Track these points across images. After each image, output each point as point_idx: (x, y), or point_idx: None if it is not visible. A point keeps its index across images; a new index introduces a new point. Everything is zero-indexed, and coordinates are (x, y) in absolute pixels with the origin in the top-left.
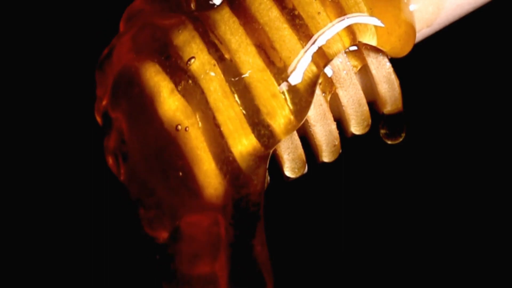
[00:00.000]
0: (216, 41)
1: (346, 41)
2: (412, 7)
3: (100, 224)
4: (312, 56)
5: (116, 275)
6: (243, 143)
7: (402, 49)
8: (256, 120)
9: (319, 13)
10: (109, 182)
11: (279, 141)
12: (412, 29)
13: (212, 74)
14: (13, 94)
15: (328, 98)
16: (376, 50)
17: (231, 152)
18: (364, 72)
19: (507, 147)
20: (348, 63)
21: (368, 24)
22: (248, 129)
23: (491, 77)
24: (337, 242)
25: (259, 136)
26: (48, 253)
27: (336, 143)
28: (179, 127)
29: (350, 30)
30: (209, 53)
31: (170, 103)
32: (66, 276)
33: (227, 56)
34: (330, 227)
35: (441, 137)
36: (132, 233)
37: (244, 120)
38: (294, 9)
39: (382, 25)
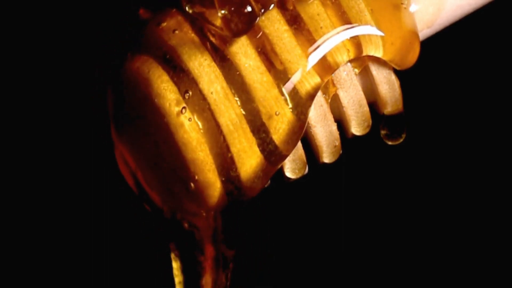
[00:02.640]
0: (217, 44)
1: (352, 52)
2: (412, 8)
3: (101, 224)
4: (314, 63)
5: (116, 274)
6: (243, 144)
7: (404, 61)
8: (256, 122)
9: (320, 23)
10: (109, 182)
11: (282, 152)
12: (416, 38)
13: (213, 76)
14: (15, 95)
15: (329, 99)
16: None
17: (231, 154)
18: (365, 73)
19: (507, 148)
20: (349, 64)
21: (373, 34)
22: (248, 130)
23: (492, 77)
24: (337, 242)
25: (259, 139)
26: (49, 253)
27: (337, 144)
28: (180, 125)
29: (356, 41)
30: (210, 55)
31: (173, 104)
32: (67, 276)
33: (228, 58)
34: (331, 228)
35: (441, 137)
36: (132, 232)
37: (244, 121)
38: (295, 12)
39: (381, 33)
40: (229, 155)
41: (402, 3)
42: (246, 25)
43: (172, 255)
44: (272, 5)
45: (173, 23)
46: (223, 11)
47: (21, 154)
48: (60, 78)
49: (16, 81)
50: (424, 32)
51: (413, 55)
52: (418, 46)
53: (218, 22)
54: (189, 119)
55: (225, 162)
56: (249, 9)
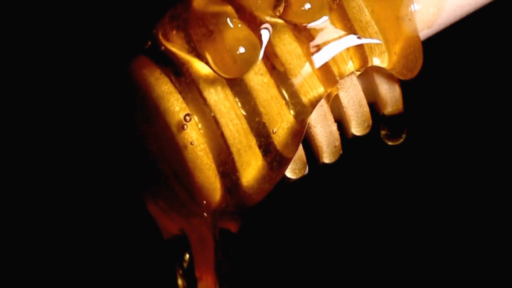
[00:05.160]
0: None
1: (356, 63)
2: (413, 8)
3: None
4: (317, 67)
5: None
6: (243, 143)
7: (408, 71)
8: (258, 124)
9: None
10: (110, 183)
11: (283, 155)
12: (419, 48)
13: (212, 77)
14: (18, 96)
15: (329, 99)
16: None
17: (232, 156)
18: (365, 73)
19: (507, 148)
20: None
21: (377, 44)
22: (248, 130)
23: (492, 77)
24: (337, 242)
25: (260, 142)
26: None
27: (337, 144)
28: (184, 117)
29: (361, 52)
30: None
31: (174, 105)
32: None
33: None
34: (331, 228)
35: (441, 138)
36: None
37: (244, 121)
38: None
39: (385, 42)
40: (230, 157)
41: (406, 15)
42: (239, 70)
43: (175, 261)
44: (268, 33)
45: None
46: (211, 61)
47: (22, 155)
48: (61, 79)
49: (19, 82)
50: (425, 32)
51: (417, 65)
52: (421, 55)
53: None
54: (190, 121)
55: (226, 164)
56: (241, 50)
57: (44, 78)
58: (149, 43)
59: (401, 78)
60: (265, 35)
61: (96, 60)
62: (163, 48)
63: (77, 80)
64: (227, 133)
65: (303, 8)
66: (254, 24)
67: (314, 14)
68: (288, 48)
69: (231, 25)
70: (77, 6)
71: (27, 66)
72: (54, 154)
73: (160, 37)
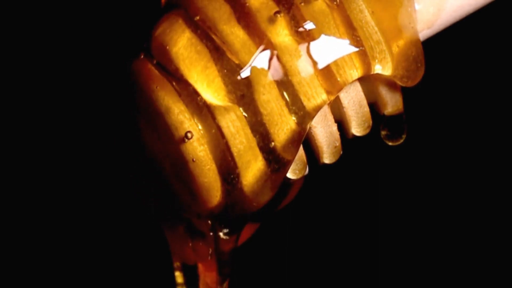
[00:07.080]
0: (218, 42)
1: (360, 71)
2: (413, 9)
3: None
4: (320, 77)
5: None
6: (243, 144)
7: (410, 79)
8: (257, 124)
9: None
10: (110, 184)
11: (284, 157)
12: (421, 55)
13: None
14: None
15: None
16: None
17: (233, 156)
18: None
19: (507, 148)
20: None
21: (380, 51)
22: (249, 131)
23: (492, 78)
24: (337, 242)
25: (261, 143)
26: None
27: (337, 144)
28: (185, 134)
29: (364, 60)
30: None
31: (175, 107)
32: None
33: (229, 56)
34: (331, 229)
35: (441, 138)
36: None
37: (245, 123)
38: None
39: (387, 49)
40: (231, 158)
41: (406, 17)
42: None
43: (175, 261)
44: (270, 53)
45: (172, 26)
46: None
47: (23, 155)
48: (61, 80)
49: (20, 84)
50: (425, 32)
51: (418, 73)
52: (423, 64)
53: None
54: (191, 123)
55: (227, 164)
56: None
57: (44, 78)
58: (142, 55)
59: (402, 84)
60: (267, 54)
61: (96, 60)
62: (155, 62)
63: (77, 81)
64: (227, 134)
65: (301, 30)
66: (254, 41)
67: (318, 33)
68: (290, 50)
69: (234, 49)
70: (77, 6)
71: (27, 66)
72: (54, 155)
73: (153, 51)
